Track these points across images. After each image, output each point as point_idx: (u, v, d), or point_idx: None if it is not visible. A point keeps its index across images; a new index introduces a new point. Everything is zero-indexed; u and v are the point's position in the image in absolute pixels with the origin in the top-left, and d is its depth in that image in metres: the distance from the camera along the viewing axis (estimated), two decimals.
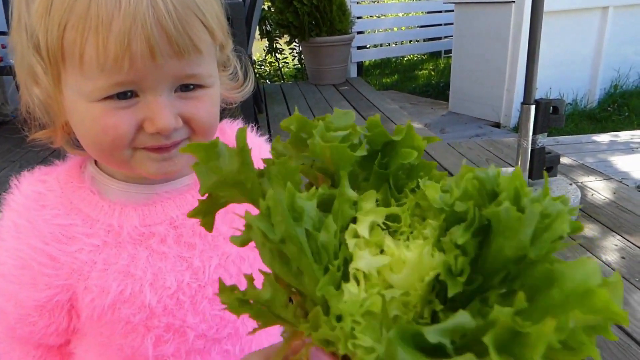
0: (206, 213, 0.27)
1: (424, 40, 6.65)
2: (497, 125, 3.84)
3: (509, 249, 0.22)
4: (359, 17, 5.23)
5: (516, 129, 3.63)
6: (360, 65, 5.54)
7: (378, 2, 5.94)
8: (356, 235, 0.25)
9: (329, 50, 4.62)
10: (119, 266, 0.52)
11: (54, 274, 0.51)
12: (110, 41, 0.40)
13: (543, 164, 1.91)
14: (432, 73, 6.80)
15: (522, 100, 3.75)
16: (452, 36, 6.87)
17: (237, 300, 0.25)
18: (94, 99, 0.44)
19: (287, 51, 5.89)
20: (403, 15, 7.03)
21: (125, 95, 0.45)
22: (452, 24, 6.66)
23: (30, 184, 0.54)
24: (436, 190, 0.25)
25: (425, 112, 4.49)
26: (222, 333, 0.56)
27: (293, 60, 6.13)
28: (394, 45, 7.02)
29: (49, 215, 0.52)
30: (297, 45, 5.69)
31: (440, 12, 6.52)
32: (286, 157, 0.27)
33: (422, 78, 6.62)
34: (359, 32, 5.22)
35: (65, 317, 0.54)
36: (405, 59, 7.91)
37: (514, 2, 3.55)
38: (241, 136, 0.26)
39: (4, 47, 2.86)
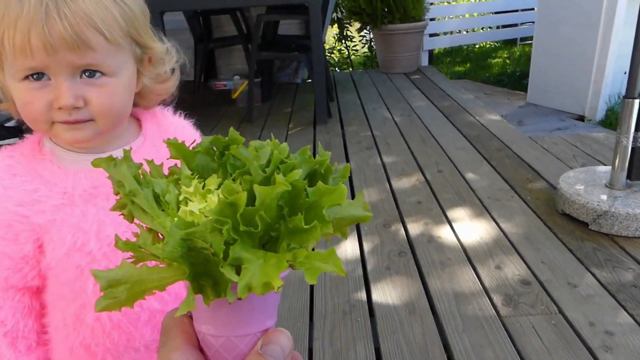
0: (123, 207, 0.35)
1: (498, 28, 6.35)
2: (581, 118, 3.61)
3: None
4: (431, 4, 5.07)
5: (602, 123, 3.40)
6: (431, 53, 5.38)
7: None
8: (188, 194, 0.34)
9: (402, 38, 4.51)
10: (72, 222, 0.66)
11: (29, 230, 0.66)
12: (17, 35, 0.57)
13: None
14: (507, 61, 6.50)
15: (610, 92, 3.52)
16: (529, 23, 6.56)
17: (129, 246, 0.32)
18: (17, 79, 0.60)
19: (357, 39, 5.81)
20: (477, 0, 6.76)
21: (39, 77, 0.60)
22: (530, 9, 6.36)
23: (2, 160, 0.68)
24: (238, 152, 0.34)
25: (501, 102, 4.29)
26: None
27: (362, 47, 6.05)
28: (465, 32, 6.77)
29: (19, 182, 0.66)
30: (368, 32, 5.60)
31: None
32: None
33: (496, 67, 6.34)
34: (431, 19, 5.07)
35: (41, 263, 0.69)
36: (477, 46, 7.61)
37: None
38: (126, 152, 0.35)
39: None
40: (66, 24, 0.57)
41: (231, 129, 0.37)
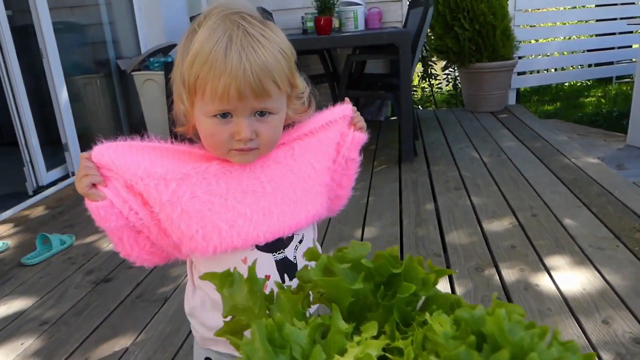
0: (232, 332, 0.30)
1: (589, 66, 6.06)
2: None
3: None
4: (521, 42, 4.96)
5: None
6: (518, 91, 5.24)
7: (544, 25, 5.57)
8: None
9: (490, 76, 4.44)
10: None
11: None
12: (219, 88, 0.70)
13: None
14: (602, 100, 6.17)
15: None
16: (627, 61, 6.21)
17: None
18: (207, 115, 0.74)
19: (440, 76, 5.80)
20: (569, 38, 6.53)
21: (225, 115, 0.73)
22: (628, 47, 6.04)
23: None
24: (445, 324, 0.25)
25: (598, 144, 4.06)
26: None
27: (447, 85, 6.01)
28: (555, 70, 6.53)
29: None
30: (453, 70, 5.57)
31: (614, 34, 5.91)
32: (294, 288, 0.31)
33: (590, 106, 6.03)
34: (520, 57, 4.95)
35: None
36: (566, 84, 7.30)
37: None
38: (251, 268, 0.32)
39: None
40: (256, 79, 0.70)
41: (408, 255, 0.33)
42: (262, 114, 0.75)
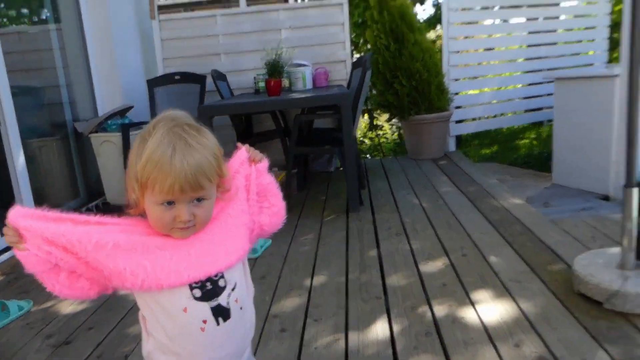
0: None
1: (524, 112, 6.62)
2: (606, 198, 3.73)
3: None
4: (456, 94, 5.43)
5: None
6: (459, 137, 5.67)
7: (477, 78, 6.10)
8: None
9: (428, 127, 4.84)
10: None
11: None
12: (166, 186, 0.91)
13: None
14: (534, 142, 6.71)
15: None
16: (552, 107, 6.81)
17: None
18: (156, 204, 0.94)
19: (386, 127, 6.20)
20: (501, 88, 7.10)
21: (170, 203, 0.94)
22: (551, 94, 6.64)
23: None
24: None
25: (528, 184, 4.46)
26: None
27: (392, 135, 6.41)
28: (491, 117, 7.07)
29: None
30: (397, 121, 5.98)
31: (541, 83, 6.51)
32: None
33: (524, 148, 6.56)
34: (457, 107, 5.40)
35: None
36: (504, 128, 7.86)
37: (618, 76, 3.56)
38: None
39: None
40: (194, 178, 0.92)
41: None
42: (198, 200, 0.97)
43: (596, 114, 3.78)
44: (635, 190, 1.89)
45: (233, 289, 1.02)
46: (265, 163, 1.16)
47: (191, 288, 0.98)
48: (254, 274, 2.59)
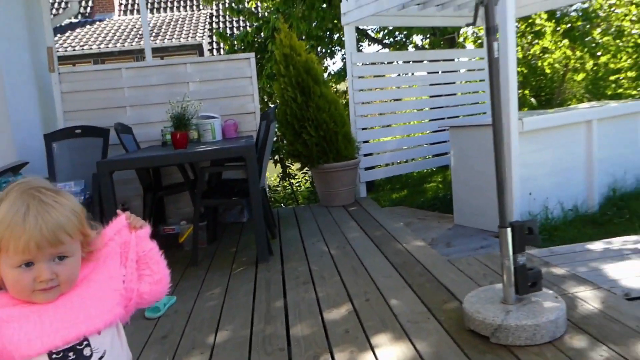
0: None
1: (432, 157, 7.02)
2: None
3: None
4: (365, 142, 5.67)
5: None
6: (370, 183, 5.87)
7: (386, 127, 6.42)
8: None
9: (337, 174, 4.98)
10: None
11: None
12: (20, 244, 0.89)
13: (527, 280, 2.06)
14: (440, 185, 7.11)
15: (521, 210, 3.97)
16: None
17: None
18: (13, 267, 0.91)
19: (299, 176, 6.31)
20: (410, 136, 7.51)
21: (29, 265, 0.91)
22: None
23: None
24: None
25: (432, 226, 4.69)
26: None
27: (305, 183, 6.53)
28: (399, 163, 7.42)
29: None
30: (309, 170, 6.11)
31: (444, 130, 6.96)
32: None
33: (431, 191, 6.92)
34: (366, 155, 5.63)
35: None
36: (415, 173, 8.28)
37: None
38: None
39: None
40: (52, 234, 0.91)
41: None
42: (60, 258, 0.94)
43: (488, 157, 4.09)
44: (508, 231, 2.05)
45: (101, 358, 0.98)
46: (146, 230, 1.14)
47: (51, 358, 0.93)
48: (155, 334, 2.47)
